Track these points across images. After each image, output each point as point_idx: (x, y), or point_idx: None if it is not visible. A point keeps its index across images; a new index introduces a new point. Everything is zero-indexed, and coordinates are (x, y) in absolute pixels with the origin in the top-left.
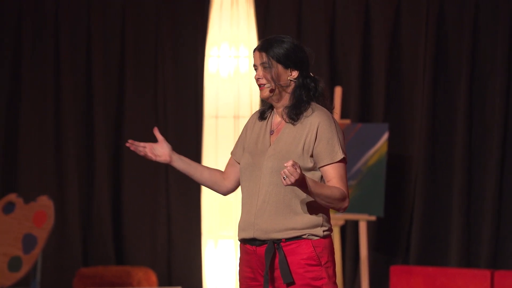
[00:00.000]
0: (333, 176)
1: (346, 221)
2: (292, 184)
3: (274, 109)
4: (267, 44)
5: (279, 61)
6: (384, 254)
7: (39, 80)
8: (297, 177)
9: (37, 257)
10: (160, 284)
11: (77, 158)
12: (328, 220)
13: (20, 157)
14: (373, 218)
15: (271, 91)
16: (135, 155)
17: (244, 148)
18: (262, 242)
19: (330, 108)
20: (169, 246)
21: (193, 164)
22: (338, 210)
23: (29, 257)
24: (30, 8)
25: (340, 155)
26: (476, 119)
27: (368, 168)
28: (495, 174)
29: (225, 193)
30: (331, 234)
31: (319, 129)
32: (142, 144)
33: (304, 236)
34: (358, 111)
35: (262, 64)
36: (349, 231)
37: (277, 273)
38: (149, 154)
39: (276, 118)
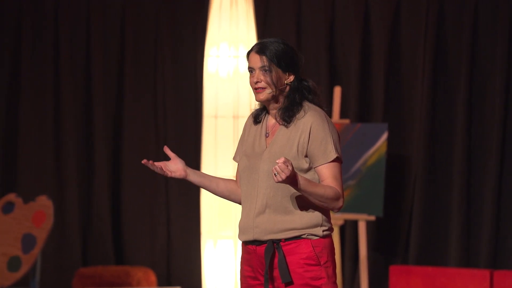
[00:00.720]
0: (327, 175)
1: (346, 221)
2: (283, 181)
3: (268, 113)
4: (265, 47)
5: (278, 65)
6: (384, 254)
7: (38, 80)
8: (288, 174)
9: (36, 257)
10: (159, 284)
11: (76, 158)
12: (328, 220)
13: (19, 157)
14: (372, 218)
15: (271, 95)
16: (134, 155)
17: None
18: (261, 242)
19: (323, 106)
20: (169, 246)
21: (208, 176)
22: (332, 209)
23: (28, 257)
24: (30, 8)
25: (333, 155)
26: (476, 119)
27: (367, 168)
28: (494, 174)
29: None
30: (332, 234)
31: (312, 129)
32: (156, 164)
33: (303, 236)
34: (358, 111)
35: (262, 67)
36: (348, 231)
37: (277, 272)
38: (165, 171)
39: (271, 121)
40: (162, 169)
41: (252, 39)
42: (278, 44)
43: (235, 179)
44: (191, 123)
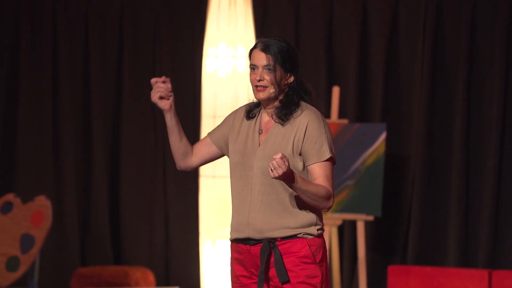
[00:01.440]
0: (319, 174)
1: (344, 221)
2: (279, 177)
3: (263, 109)
4: (271, 46)
5: (282, 65)
6: (382, 254)
7: (37, 80)
8: (285, 169)
9: (35, 257)
10: (157, 284)
11: (75, 158)
12: (321, 219)
13: (18, 157)
14: (371, 218)
15: (273, 94)
16: (133, 155)
17: (232, 144)
18: (256, 241)
19: (320, 107)
20: (167, 246)
21: (180, 126)
22: (322, 208)
23: (27, 257)
24: (28, 9)
25: (327, 154)
26: (474, 119)
27: (366, 168)
28: (493, 174)
29: (185, 168)
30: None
31: (308, 128)
32: (159, 81)
33: (299, 235)
34: (356, 111)
35: (267, 66)
36: (347, 231)
37: (272, 272)
38: (165, 93)
39: (265, 117)
40: (163, 91)
41: (250, 39)
42: (282, 44)
43: (195, 148)
44: (189, 123)
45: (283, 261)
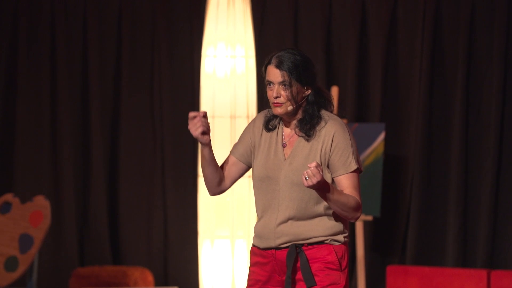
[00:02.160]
0: (347, 185)
1: None
2: (313, 186)
3: (282, 121)
4: (285, 61)
5: (298, 80)
6: (381, 254)
7: (35, 80)
8: (319, 178)
9: (34, 257)
10: (156, 284)
11: (73, 158)
12: (347, 227)
13: (16, 157)
14: (369, 218)
15: (291, 110)
16: (132, 155)
17: (254, 158)
18: (282, 247)
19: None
20: (166, 246)
21: (215, 160)
22: (350, 219)
23: (25, 257)
24: (26, 8)
25: (354, 165)
26: (473, 119)
27: (364, 168)
28: (491, 174)
29: (219, 193)
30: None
31: (334, 139)
32: (198, 116)
33: (326, 241)
34: (355, 111)
35: (282, 83)
36: None
37: (297, 276)
38: (207, 127)
39: (286, 130)
40: (200, 120)
41: (249, 39)
42: (296, 57)
43: (224, 171)
44: (188, 123)
45: (310, 266)
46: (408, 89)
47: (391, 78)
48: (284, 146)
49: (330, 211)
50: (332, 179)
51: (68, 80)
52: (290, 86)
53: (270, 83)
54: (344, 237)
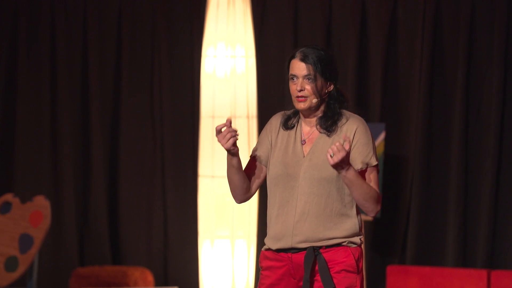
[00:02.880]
0: (368, 180)
1: None
2: (339, 163)
3: (301, 118)
4: (310, 55)
5: (322, 74)
6: (381, 254)
7: (35, 80)
8: (344, 154)
9: (34, 257)
10: (156, 284)
11: (73, 158)
12: (361, 229)
13: (16, 157)
14: (369, 218)
15: (315, 104)
16: (131, 155)
17: (271, 156)
18: (298, 250)
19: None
20: (166, 246)
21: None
22: (369, 212)
23: (25, 257)
24: (26, 8)
25: (374, 161)
26: (473, 119)
27: None
28: (491, 174)
29: (246, 199)
30: None
31: (356, 134)
32: (227, 125)
33: (343, 244)
34: (354, 111)
35: (307, 76)
36: None
37: (315, 278)
38: (237, 137)
39: (305, 127)
40: (229, 131)
41: (249, 39)
42: (320, 52)
43: (249, 177)
44: (188, 123)
45: (328, 268)
46: (408, 89)
47: (391, 78)
48: (303, 143)
49: (349, 211)
50: None
51: (68, 80)
52: (315, 80)
53: (294, 77)
54: (360, 238)
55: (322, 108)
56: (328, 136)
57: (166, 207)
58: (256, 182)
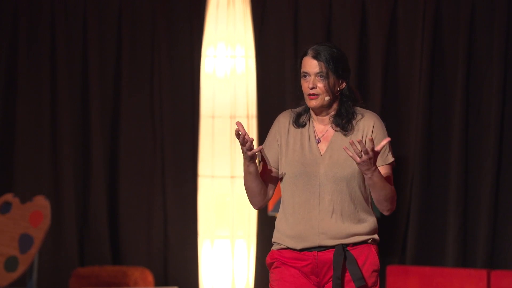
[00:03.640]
0: (385, 177)
1: None
2: (366, 164)
3: (313, 116)
4: (322, 52)
5: (334, 71)
6: (381, 253)
7: (35, 80)
8: (373, 155)
9: (34, 257)
10: (156, 284)
11: (73, 158)
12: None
13: (16, 157)
14: None
15: (327, 101)
16: (131, 155)
17: (285, 156)
18: (325, 248)
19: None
20: (166, 246)
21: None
22: (389, 210)
23: (25, 257)
24: (26, 8)
25: (391, 158)
26: (473, 119)
27: None
28: (491, 174)
29: (264, 204)
30: None
31: (374, 129)
32: (242, 132)
33: (369, 241)
34: None
35: (319, 73)
36: None
37: (343, 276)
38: (248, 140)
39: (318, 126)
40: (245, 139)
41: (249, 39)
42: (333, 50)
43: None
44: (188, 123)
45: (358, 266)
46: (408, 89)
47: (391, 78)
48: (318, 141)
49: (369, 207)
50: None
51: (68, 80)
52: (327, 77)
53: (306, 74)
54: (378, 236)
55: (335, 106)
56: (344, 134)
57: (166, 207)
58: (272, 186)
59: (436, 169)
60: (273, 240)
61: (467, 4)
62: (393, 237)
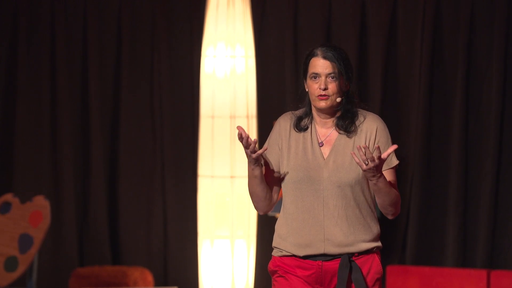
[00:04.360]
0: (388, 180)
1: None
2: (372, 170)
3: (315, 119)
4: (333, 53)
5: (344, 72)
6: (381, 254)
7: (35, 80)
8: (379, 163)
9: (33, 257)
10: (156, 284)
11: (73, 158)
12: None
13: (16, 157)
14: None
15: (338, 103)
16: (131, 154)
17: (287, 160)
18: (332, 257)
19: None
20: (165, 246)
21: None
22: (393, 214)
23: (25, 257)
24: (26, 8)
25: (395, 161)
26: (472, 120)
27: None
28: (491, 174)
29: (271, 208)
30: None
31: (377, 133)
32: (245, 136)
33: (374, 250)
34: None
35: (330, 74)
36: None
37: (347, 285)
38: (252, 144)
39: (321, 129)
40: (248, 141)
41: (249, 39)
42: (340, 50)
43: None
44: (187, 123)
45: (363, 276)
46: (408, 89)
47: (391, 78)
48: (321, 145)
49: (373, 212)
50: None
51: (68, 80)
52: (338, 78)
53: (316, 75)
54: (381, 243)
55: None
56: (348, 137)
57: (165, 207)
58: (276, 189)
59: (436, 169)
60: (274, 245)
61: (467, 4)
62: (393, 237)
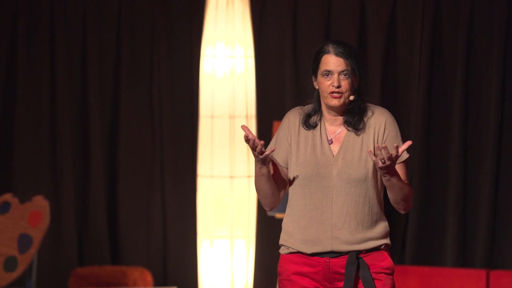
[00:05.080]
0: (401, 175)
1: None
2: (387, 168)
3: (325, 116)
4: (345, 50)
5: (357, 69)
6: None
7: (34, 80)
8: (393, 161)
9: (33, 257)
10: (155, 284)
11: (72, 158)
12: None
13: (15, 157)
14: None
15: (349, 100)
16: (131, 154)
17: (297, 157)
18: (338, 254)
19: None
20: (165, 246)
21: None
22: (402, 210)
23: (24, 257)
24: (26, 8)
25: (406, 154)
26: (472, 119)
27: None
28: (490, 174)
29: (277, 205)
30: None
31: (386, 126)
32: (251, 136)
33: (382, 247)
34: None
35: (343, 71)
36: None
37: (356, 284)
38: (258, 144)
39: (330, 126)
40: (255, 143)
41: (248, 39)
42: (351, 47)
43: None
44: (187, 123)
45: (371, 274)
46: (407, 89)
47: (391, 78)
48: (330, 142)
49: (382, 210)
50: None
51: (67, 80)
52: (351, 75)
53: (328, 72)
54: (390, 239)
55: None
56: (357, 134)
57: (165, 207)
58: (283, 186)
59: (435, 169)
60: (281, 242)
61: (466, 4)
62: (393, 237)
